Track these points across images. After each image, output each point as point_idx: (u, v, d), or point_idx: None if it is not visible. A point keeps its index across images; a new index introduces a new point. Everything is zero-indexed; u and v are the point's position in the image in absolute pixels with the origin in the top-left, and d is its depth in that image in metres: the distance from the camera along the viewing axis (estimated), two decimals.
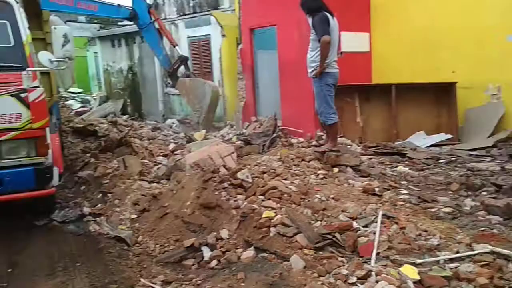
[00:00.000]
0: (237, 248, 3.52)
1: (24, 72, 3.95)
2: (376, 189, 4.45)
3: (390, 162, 5.89)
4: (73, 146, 8.02)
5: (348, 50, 7.84)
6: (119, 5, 8.86)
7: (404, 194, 4.51)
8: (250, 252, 3.38)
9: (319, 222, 3.70)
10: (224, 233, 3.73)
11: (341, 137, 7.09)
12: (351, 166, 5.23)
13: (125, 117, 13.03)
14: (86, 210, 4.68)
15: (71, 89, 17.34)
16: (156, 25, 9.11)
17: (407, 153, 6.26)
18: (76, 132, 9.53)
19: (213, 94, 9.07)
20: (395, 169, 5.58)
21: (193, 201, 4.13)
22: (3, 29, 4.09)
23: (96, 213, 4.62)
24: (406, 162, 5.97)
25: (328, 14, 5.25)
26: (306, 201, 4.08)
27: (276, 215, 3.71)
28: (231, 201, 4.04)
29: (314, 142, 6.28)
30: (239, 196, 4.12)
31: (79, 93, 17.88)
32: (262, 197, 4.08)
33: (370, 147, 6.51)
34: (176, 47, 9.64)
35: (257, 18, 8.48)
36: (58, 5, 8.22)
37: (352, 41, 7.99)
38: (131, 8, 8.81)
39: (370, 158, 5.90)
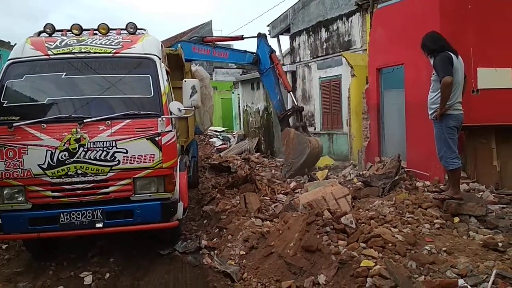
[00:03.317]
0: None
1: (159, 119, 4.62)
2: (500, 244, 3.93)
3: None
4: (206, 181, 8.83)
5: (486, 87, 7.23)
6: (245, 51, 9.76)
7: None
8: None
9: (423, 277, 3.45)
10: (321, 279, 3.74)
11: (473, 182, 6.47)
12: (475, 216, 4.72)
13: (257, 154, 13.79)
14: (204, 243, 5.12)
15: (215, 128, 19.16)
16: (275, 70, 9.60)
17: None
18: (212, 168, 10.51)
19: (308, 156, 8.79)
20: None
21: (296, 243, 4.24)
22: (146, 82, 4.85)
23: (211, 246, 5.03)
24: None
25: (451, 54, 4.99)
26: (412, 253, 3.83)
27: (375, 265, 3.58)
28: (331, 246, 4.01)
29: (441, 187, 5.85)
30: (340, 242, 4.06)
31: (222, 131, 19.58)
32: (364, 244, 3.96)
33: (507, 195, 5.74)
34: (290, 92, 9.98)
35: (385, 58, 8.36)
36: (198, 54, 9.70)
37: (491, 77, 7.34)
38: (254, 54, 9.55)
39: (503, 208, 5.21)
